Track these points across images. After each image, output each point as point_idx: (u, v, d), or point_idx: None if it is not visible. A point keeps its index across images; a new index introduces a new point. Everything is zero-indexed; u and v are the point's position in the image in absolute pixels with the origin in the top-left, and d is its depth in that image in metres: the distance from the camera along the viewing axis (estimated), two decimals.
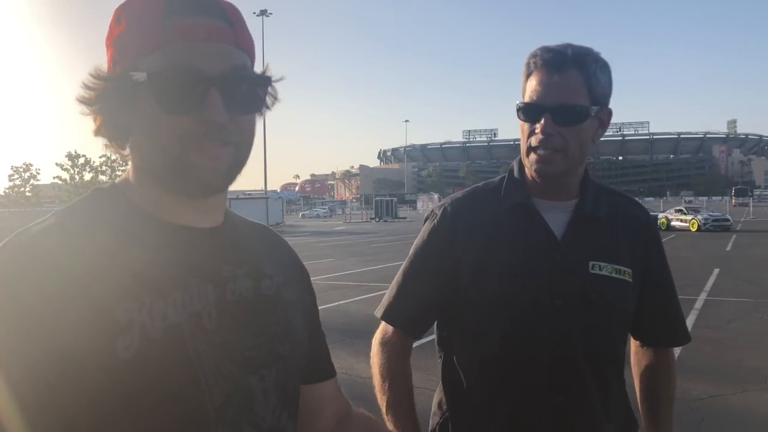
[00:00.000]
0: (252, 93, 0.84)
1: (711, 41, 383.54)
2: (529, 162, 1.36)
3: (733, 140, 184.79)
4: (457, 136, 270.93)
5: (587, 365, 1.36)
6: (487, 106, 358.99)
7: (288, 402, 0.91)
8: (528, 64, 1.33)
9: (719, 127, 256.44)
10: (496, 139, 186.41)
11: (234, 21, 0.83)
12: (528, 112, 1.33)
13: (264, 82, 0.86)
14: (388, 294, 1.50)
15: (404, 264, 1.50)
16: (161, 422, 0.74)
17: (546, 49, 1.31)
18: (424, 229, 1.49)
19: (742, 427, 4.86)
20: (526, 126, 1.34)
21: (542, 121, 1.29)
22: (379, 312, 1.50)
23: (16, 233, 0.77)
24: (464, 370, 1.43)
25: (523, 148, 1.37)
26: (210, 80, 0.79)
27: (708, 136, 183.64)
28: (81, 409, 0.70)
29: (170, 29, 0.78)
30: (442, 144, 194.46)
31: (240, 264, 0.89)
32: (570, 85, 1.29)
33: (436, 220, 1.47)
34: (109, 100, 0.81)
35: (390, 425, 1.41)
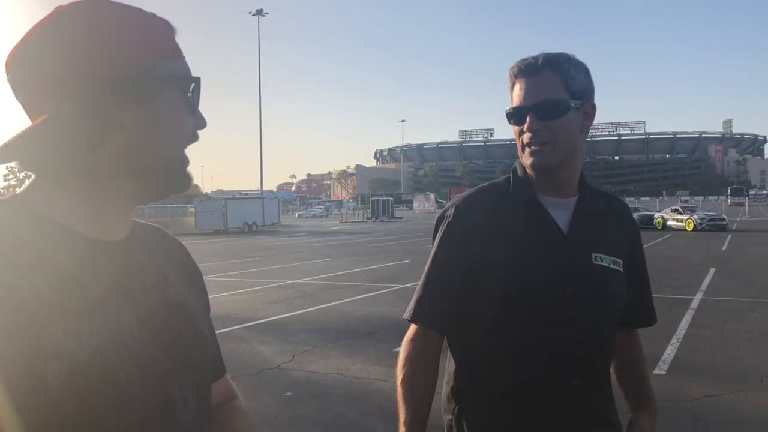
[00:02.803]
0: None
1: (707, 41, 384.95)
2: (525, 159, 1.48)
3: (728, 140, 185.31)
4: (453, 136, 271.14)
5: (597, 349, 1.49)
6: (484, 106, 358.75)
7: (205, 405, 0.92)
8: (510, 76, 1.49)
9: (715, 127, 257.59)
10: (492, 138, 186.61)
11: None
12: (515, 115, 1.47)
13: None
14: (414, 297, 1.56)
15: (427, 266, 1.57)
16: None
17: (522, 60, 1.47)
18: (441, 230, 1.56)
19: (738, 426, 4.86)
20: (517, 128, 1.48)
21: (528, 119, 1.44)
22: (408, 315, 1.55)
23: None
24: (482, 362, 1.50)
25: (519, 149, 1.50)
26: (198, 90, 0.90)
27: (704, 135, 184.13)
28: None
29: (177, 43, 0.88)
30: (438, 144, 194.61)
31: (148, 275, 0.89)
32: (547, 85, 1.43)
33: (450, 220, 1.55)
34: (120, 92, 0.82)
35: (401, 411, 1.48)
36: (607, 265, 1.49)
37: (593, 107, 1.50)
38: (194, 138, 0.90)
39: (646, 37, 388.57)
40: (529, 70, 1.44)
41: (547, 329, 1.44)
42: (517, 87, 1.46)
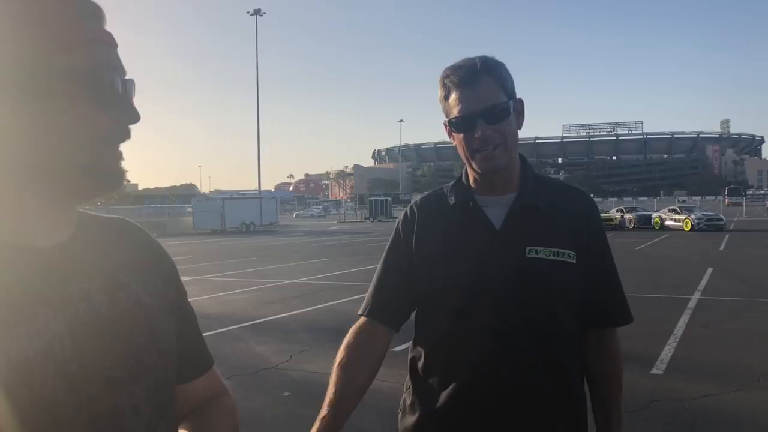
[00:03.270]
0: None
1: (705, 41, 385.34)
2: (476, 164, 1.52)
3: (726, 140, 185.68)
4: None
5: (531, 341, 1.48)
6: None
7: (164, 411, 0.88)
8: (445, 85, 1.53)
9: (712, 127, 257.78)
10: None
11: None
12: (461, 123, 1.50)
13: (132, 85, 0.88)
14: (368, 292, 1.66)
15: (379, 264, 1.67)
16: None
17: (456, 69, 1.51)
18: (393, 230, 1.68)
19: (736, 426, 4.86)
20: (461, 136, 1.52)
21: (478, 125, 1.48)
22: (361, 309, 1.64)
23: None
24: (422, 352, 1.59)
25: (465, 155, 1.54)
26: (124, 83, 0.82)
27: (701, 135, 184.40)
28: None
29: (89, 29, 0.79)
30: (436, 144, 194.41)
31: (92, 279, 0.84)
32: (489, 90, 1.48)
33: (400, 221, 1.67)
34: (9, 90, 0.74)
35: (328, 392, 1.55)
36: (544, 257, 1.48)
37: (521, 103, 1.56)
38: (119, 135, 0.81)
39: (644, 37, 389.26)
40: (469, 78, 1.48)
41: (474, 323, 1.48)
42: (455, 95, 1.50)
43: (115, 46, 0.83)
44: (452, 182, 1.67)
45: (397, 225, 1.67)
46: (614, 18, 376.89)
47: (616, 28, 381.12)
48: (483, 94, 1.48)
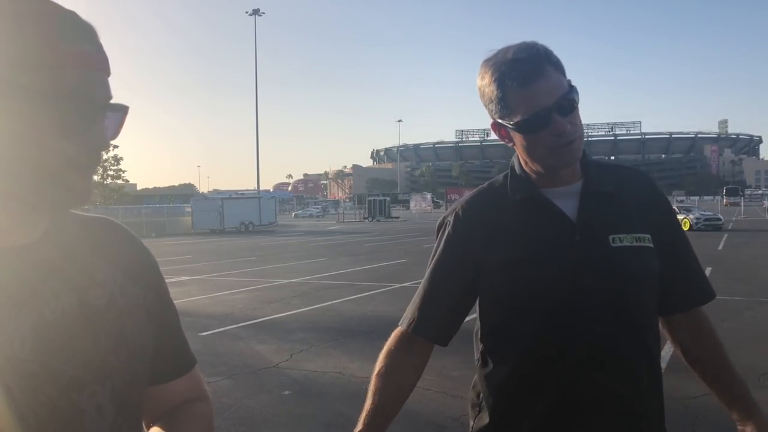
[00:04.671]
0: (120, 122, 0.86)
1: (703, 41, 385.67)
2: (553, 161, 1.38)
3: (724, 140, 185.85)
4: (449, 136, 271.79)
5: (627, 337, 1.37)
6: (480, 106, 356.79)
7: (129, 413, 0.88)
8: (503, 85, 1.35)
9: (711, 127, 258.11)
10: (488, 138, 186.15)
11: (104, 50, 0.83)
12: (534, 122, 1.34)
13: (123, 110, 0.86)
14: (414, 306, 1.50)
15: (427, 274, 1.51)
16: None
17: (514, 64, 1.34)
18: (440, 239, 1.52)
19: (736, 425, 4.84)
20: (530, 137, 1.36)
21: (555, 120, 1.33)
22: (403, 324, 1.49)
23: None
24: (500, 368, 1.44)
25: (538, 154, 1.39)
26: (98, 108, 0.80)
27: (699, 135, 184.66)
28: None
29: (66, 51, 0.77)
30: (435, 144, 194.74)
31: (63, 279, 0.84)
32: (555, 80, 1.35)
33: (449, 228, 1.50)
34: None
35: (367, 401, 1.42)
36: (628, 244, 1.38)
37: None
38: (85, 161, 0.80)
39: (642, 37, 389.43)
40: (533, 73, 1.32)
41: (566, 327, 1.35)
42: (521, 94, 1.33)
43: (101, 69, 0.82)
44: (503, 175, 1.52)
45: (445, 232, 1.50)
46: (612, 18, 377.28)
47: (614, 27, 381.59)
48: (551, 85, 1.34)
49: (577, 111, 1.37)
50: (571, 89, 1.36)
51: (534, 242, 1.39)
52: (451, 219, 1.50)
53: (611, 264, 1.36)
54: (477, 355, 1.52)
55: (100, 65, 0.82)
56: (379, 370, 1.45)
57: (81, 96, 0.78)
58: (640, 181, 1.52)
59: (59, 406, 0.78)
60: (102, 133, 0.81)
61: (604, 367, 1.35)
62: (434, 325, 1.48)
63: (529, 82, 1.32)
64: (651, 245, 1.40)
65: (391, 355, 1.47)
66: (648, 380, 1.41)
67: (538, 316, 1.37)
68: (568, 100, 1.35)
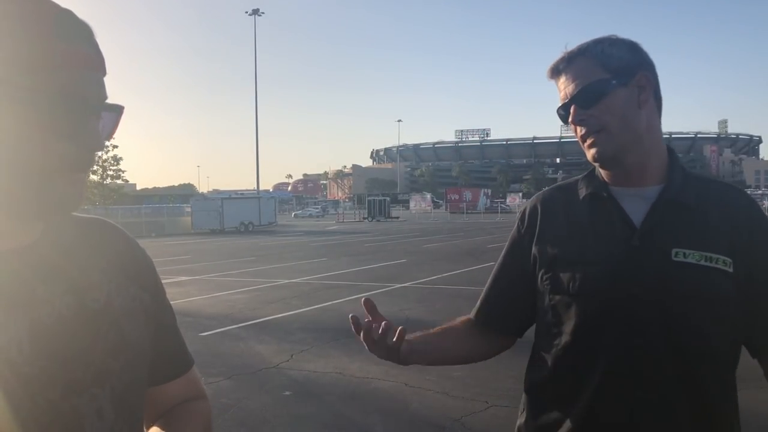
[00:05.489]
0: (115, 122, 0.85)
1: (702, 42, 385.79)
2: (588, 155, 1.37)
3: (724, 140, 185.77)
4: (449, 136, 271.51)
5: (671, 360, 1.27)
6: (480, 106, 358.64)
7: (130, 415, 0.88)
8: (550, 78, 1.41)
9: (710, 127, 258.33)
10: (488, 138, 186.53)
11: (100, 50, 0.83)
12: (563, 114, 1.37)
13: (119, 110, 0.85)
14: (481, 296, 1.58)
15: (496, 264, 1.57)
16: None
17: (557, 59, 1.38)
18: (516, 223, 1.54)
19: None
20: (570, 127, 1.38)
21: (572, 112, 1.34)
22: (473, 314, 1.57)
23: None
24: (544, 361, 1.42)
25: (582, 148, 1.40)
26: (92, 109, 0.79)
27: (699, 135, 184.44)
28: None
29: (62, 51, 0.76)
30: (434, 144, 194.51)
31: (60, 281, 0.83)
32: (580, 71, 1.33)
33: (518, 219, 1.53)
34: None
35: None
36: (694, 261, 1.27)
37: (646, 78, 1.34)
38: (78, 163, 0.79)
39: (641, 37, 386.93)
40: (562, 65, 1.35)
41: (605, 333, 1.29)
42: (557, 87, 1.38)
43: (97, 69, 0.81)
44: (584, 173, 1.49)
45: (516, 226, 1.51)
46: (611, 17, 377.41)
47: (613, 27, 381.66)
48: (574, 77, 1.32)
49: (611, 102, 1.30)
50: (605, 80, 1.30)
51: (586, 241, 1.35)
52: (525, 208, 1.54)
53: (667, 278, 1.27)
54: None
55: (96, 65, 0.81)
56: (452, 322, 1.56)
57: (76, 96, 0.77)
58: (734, 199, 1.37)
59: (59, 410, 0.78)
60: (97, 134, 0.80)
61: (639, 385, 1.27)
62: (493, 314, 1.54)
63: (554, 74, 1.38)
64: (728, 269, 1.27)
65: (456, 327, 1.56)
66: (689, 412, 1.29)
67: (579, 318, 1.33)
68: (589, 90, 1.31)
